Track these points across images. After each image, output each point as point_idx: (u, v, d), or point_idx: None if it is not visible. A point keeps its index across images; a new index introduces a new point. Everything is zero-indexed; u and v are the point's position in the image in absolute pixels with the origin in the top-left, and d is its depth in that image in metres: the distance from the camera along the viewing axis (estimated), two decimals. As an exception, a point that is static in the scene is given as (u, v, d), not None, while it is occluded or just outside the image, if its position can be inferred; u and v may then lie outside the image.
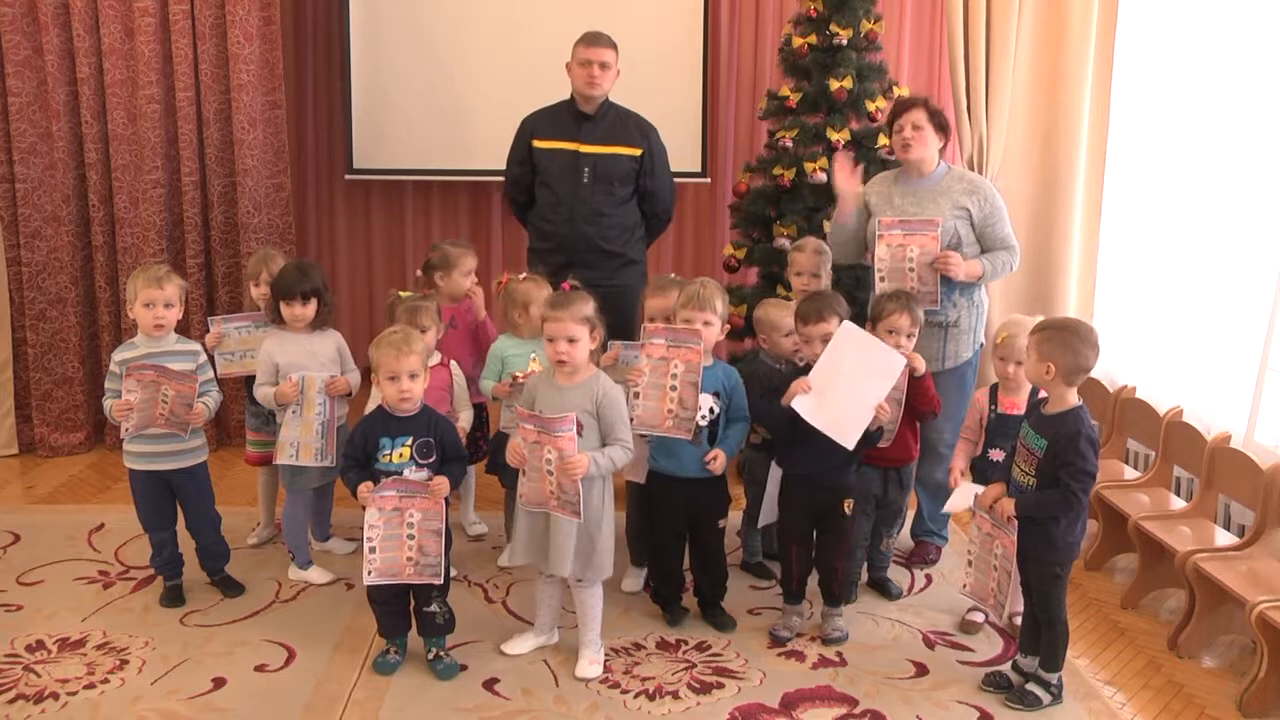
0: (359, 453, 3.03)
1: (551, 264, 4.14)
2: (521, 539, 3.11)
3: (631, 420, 3.16)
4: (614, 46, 4.12)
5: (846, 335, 3.19)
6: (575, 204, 4.16)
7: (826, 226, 4.43)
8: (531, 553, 3.10)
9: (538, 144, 4.20)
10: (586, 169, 4.14)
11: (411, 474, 3.00)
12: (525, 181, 4.29)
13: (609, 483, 3.07)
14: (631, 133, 4.21)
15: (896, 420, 3.37)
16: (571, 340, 2.97)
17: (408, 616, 3.14)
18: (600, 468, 2.96)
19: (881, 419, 3.19)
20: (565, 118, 4.20)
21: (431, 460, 3.04)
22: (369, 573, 2.96)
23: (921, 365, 3.37)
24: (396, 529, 2.96)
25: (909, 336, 3.35)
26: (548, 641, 3.25)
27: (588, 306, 3.03)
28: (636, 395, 3.18)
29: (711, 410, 3.26)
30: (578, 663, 3.11)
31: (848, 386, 3.14)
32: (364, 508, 2.96)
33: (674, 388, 3.15)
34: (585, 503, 2.93)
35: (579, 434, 2.94)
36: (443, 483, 2.99)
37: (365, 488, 2.94)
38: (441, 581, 3.04)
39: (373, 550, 2.95)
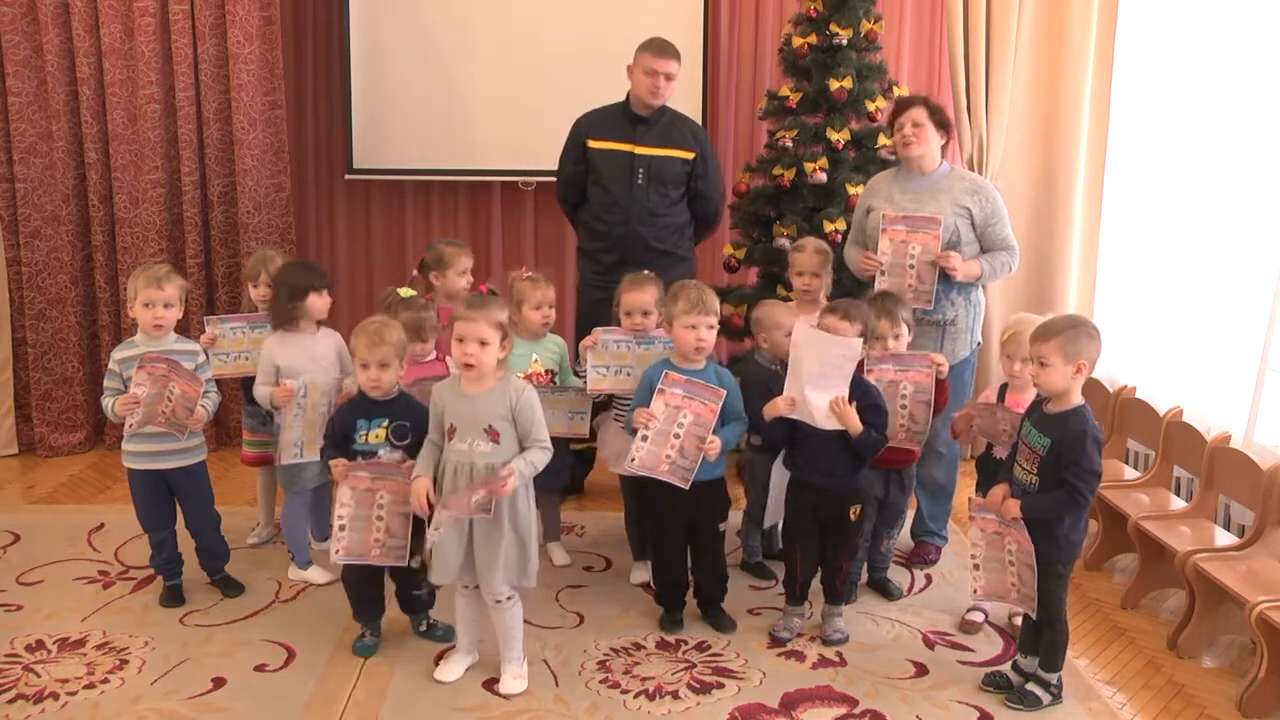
0: (337, 435, 3.13)
1: (604, 263, 4.23)
2: (445, 557, 2.94)
3: (632, 460, 3.19)
4: (679, 57, 4.17)
5: (802, 335, 3.18)
6: (630, 205, 4.20)
7: (826, 226, 4.44)
8: (454, 571, 2.97)
9: (593, 144, 4.25)
10: (641, 170, 4.19)
11: (385, 455, 3.05)
12: (580, 181, 4.33)
13: (531, 488, 3.00)
14: (685, 136, 4.27)
15: (927, 421, 3.39)
16: (483, 343, 2.88)
17: (381, 601, 3.23)
18: (524, 476, 2.90)
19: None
20: (620, 119, 4.25)
21: (407, 443, 3.09)
22: (336, 551, 3.04)
23: (946, 368, 3.41)
24: (367, 510, 3.02)
25: (896, 338, 3.39)
26: (474, 661, 3.13)
27: (502, 312, 2.97)
28: (645, 439, 3.19)
29: None
30: (502, 679, 3.02)
31: (818, 383, 3.15)
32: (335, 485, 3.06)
33: (678, 436, 3.17)
34: (514, 510, 2.90)
35: (496, 441, 2.88)
36: (411, 464, 3.01)
37: (339, 463, 3.03)
38: (405, 564, 3.08)
39: (342, 529, 3.02)
